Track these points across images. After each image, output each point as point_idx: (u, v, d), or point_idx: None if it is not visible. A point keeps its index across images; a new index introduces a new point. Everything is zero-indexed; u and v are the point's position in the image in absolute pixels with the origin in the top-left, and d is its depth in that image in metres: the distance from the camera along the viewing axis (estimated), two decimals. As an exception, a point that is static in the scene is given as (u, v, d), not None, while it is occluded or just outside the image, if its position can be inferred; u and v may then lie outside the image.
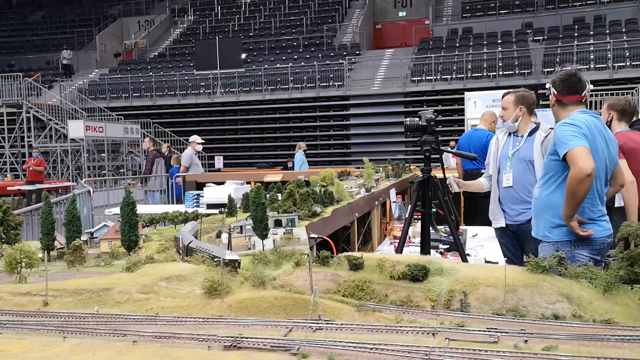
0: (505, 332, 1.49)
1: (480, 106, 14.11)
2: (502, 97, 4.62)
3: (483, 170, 6.62)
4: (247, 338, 1.51)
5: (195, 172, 10.83)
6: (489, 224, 5.84)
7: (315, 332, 1.57)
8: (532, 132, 4.36)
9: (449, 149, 5.14)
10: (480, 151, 6.83)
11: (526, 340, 1.45)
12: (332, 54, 24.64)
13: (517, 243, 4.48)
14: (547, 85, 3.65)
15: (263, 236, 2.63)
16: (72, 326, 1.66)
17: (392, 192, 5.95)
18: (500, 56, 20.73)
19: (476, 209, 6.94)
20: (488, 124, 7.26)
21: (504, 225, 4.53)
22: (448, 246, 4.26)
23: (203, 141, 11.38)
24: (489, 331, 1.50)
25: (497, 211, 4.55)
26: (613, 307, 1.63)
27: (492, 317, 1.61)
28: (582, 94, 3.56)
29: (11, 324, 1.71)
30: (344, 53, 24.40)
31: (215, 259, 2.09)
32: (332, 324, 1.60)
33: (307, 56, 24.89)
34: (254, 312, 1.73)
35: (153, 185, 13.23)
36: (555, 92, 3.54)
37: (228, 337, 1.52)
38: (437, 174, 3.97)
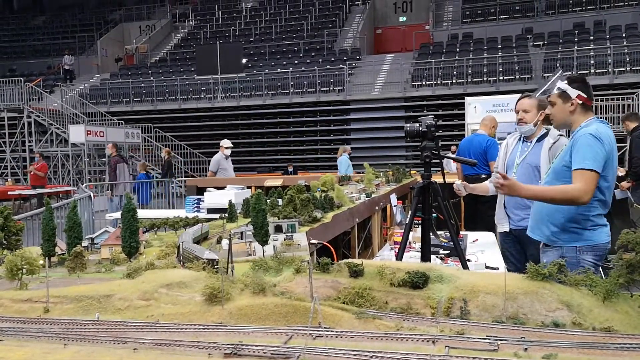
0: (505, 340, 1.49)
1: (480, 111, 14.15)
2: (519, 100, 4.58)
3: (483, 175, 6.65)
4: (247, 345, 1.51)
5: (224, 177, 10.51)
6: (489, 229, 5.86)
7: (315, 339, 1.57)
8: (541, 138, 4.37)
9: (450, 154, 5.16)
10: (480, 156, 6.87)
11: (526, 349, 1.45)
12: (332, 59, 24.70)
13: (519, 248, 4.50)
14: (563, 87, 3.49)
15: (263, 242, 2.64)
16: (73, 333, 1.67)
17: (393, 197, 5.95)
18: (500, 61, 20.77)
19: (476, 214, 6.96)
20: (488, 129, 7.27)
21: (508, 229, 4.56)
22: (448, 251, 4.26)
23: (232, 145, 11.03)
24: (489, 339, 1.50)
25: (502, 215, 4.58)
26: (613, 315, 1.63)
27: (492, 324, 1.61)
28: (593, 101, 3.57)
29: (12, 330, 1.72)
30: (345, 58, 24.47)
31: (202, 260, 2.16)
32: (332, 331, 1.60)
33: (308, 61, 24.94)
34: (254, 319, 1.74)
35: (116, 191, 13.27)
36: (584, 96, 3.43)
37: (228, 344, 1.53)
38: (438, 179, 3.97)
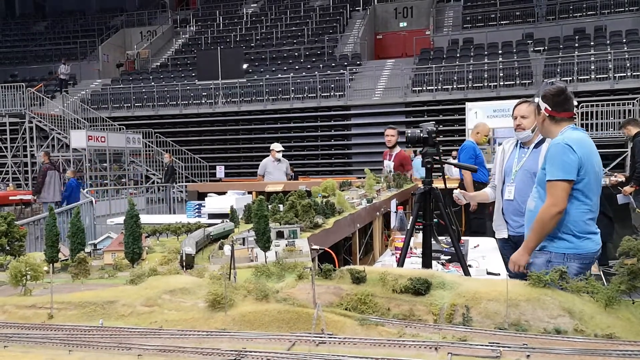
0: (508, 347, 1.50)
1: (481, 116, 14.18)
2: (516, 106, 4.60)
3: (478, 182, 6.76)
4: (250, 352, 1.52)
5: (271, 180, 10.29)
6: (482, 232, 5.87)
7: (319, 346, 1.58)
8: (539, 144, 4.38)
9: (451, 160, 5.18)
10: (468, 162, 7.23)
11: (528, 355, 1.46)
12: (333, 64, 24.75)
13: (518, 254, 4.50)
14: (536, 100, 3.67)
15: (265, 248, 2.64)
16: (77, 339, 1.67)
17: (393, 203, 5.96)
18: (501, 66, 20.80)
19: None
20: (474, 135, 7.67)
21: (506, 236, 4.56)
22: (450, 257, 4.27)
23: (283, 148, 10.79)
24: (491, 346, 1.50)
25: (500, 222, 4.58)
26: (615, 321, 1.64)
27: (495, 331, 1.62)
28: (573, 111, 3.63)
29: (17, 337, 1.72)
30: (345, 63, 24.51)
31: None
32: (335, 338, 1.61)
33: (309, 66, 25.00)
34: (258, 326, 1.74)
35: (46, 198, 13.37)
36: (550, 109, 3.55)
37: (232, 351, 1.53)
38: (439, 184, 3.99)
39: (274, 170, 10.54)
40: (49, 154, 15.23)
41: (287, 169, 10.82)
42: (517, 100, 4.80)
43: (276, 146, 10.71)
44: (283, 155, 10.95)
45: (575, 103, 3.70)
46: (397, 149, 8.58)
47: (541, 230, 3.44)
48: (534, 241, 3.51)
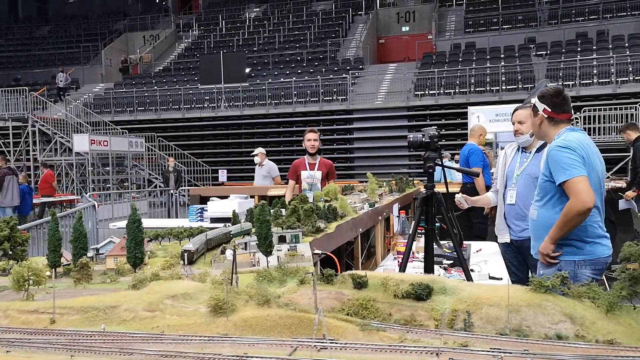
0: (509, 353, 1.50)
1: (483, 120, 14.15)
2: (514, 112, 4.62)
3: (469, 185, 6.81)
4: (252, 357, 1.52)
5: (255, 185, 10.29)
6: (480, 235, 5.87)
7: (320, 351, 1.58)
8: (540, 149, 4.38)
9: (453, 164, 5.18)
10: (464, 165, 7.26)
11: (529, 361, 1.46)
12: (335, 69, 24.78)
13: (521, 258, 4.50)
14: (533, 101, 3.60)
15: (267, 253, 2.65)
16: (80, 344, 1.68)
17: (395, 207, 5.96)
18: (503, 71, 20.80)
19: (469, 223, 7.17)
20: (476, 138, 7.76)
21: (508, 240, 4.55)
22: (452, 261, 4.26)
23: (261, 150, 10.57)
24: (493, 351, 1.51)
25: (502, 226, 4.58)
26: (616, 327, 1.64)
27: (496, 337, 1.62)
28: (572, 113, 3.58)
29: (19, 342, 1.73)
30: (348, 67, 24.55)
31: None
32: (336, 343, 1.61)
33: (311, 70, 25.03)
34: (259, 331, 1.74)
35: (3, 202, 13.47)
36: (549, 109, 3.47)
37: (234, 356, 1.54)
38: (441, 188, 3.99)
39: (256, 176, 10.61)
40: (6, 159, 15.42)
41: (269, 173, 10.40)
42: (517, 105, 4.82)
43: (256, 150, 10.72)
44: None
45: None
46: (318, 157, 7.57)
47: (564, 225, 3.27)
48: (557, 233, 3.32)
